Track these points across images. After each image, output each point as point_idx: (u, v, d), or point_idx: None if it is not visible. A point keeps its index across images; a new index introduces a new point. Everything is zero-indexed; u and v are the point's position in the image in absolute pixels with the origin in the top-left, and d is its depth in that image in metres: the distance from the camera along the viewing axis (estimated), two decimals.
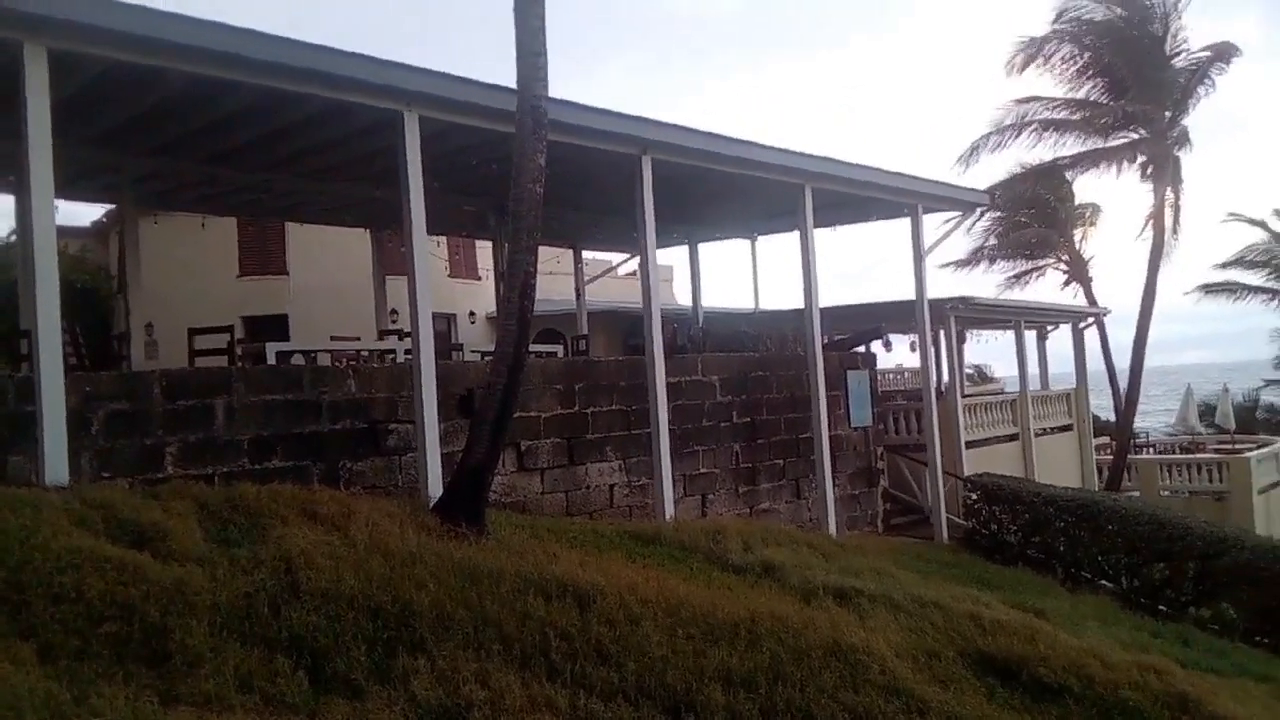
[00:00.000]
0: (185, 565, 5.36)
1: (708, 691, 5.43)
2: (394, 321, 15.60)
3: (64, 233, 12.34)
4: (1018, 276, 26.18)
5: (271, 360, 10.57)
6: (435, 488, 8.07)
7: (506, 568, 6.29)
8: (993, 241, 25.66)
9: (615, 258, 20.70)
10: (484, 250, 21.56)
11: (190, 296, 17.78)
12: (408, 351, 9.92)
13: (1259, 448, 24.04)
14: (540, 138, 7.27)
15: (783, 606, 7.10)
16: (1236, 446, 24.32)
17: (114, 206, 15.85)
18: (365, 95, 8.16)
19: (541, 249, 7.90)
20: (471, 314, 22.67)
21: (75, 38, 6.65)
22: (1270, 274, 26.74)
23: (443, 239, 20.87)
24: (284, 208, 14.85)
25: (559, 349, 14.24)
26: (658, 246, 10.98)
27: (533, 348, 13.05)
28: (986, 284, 26.89)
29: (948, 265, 26.68)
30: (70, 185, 10.99)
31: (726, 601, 6.80)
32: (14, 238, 13.26)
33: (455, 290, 22.36)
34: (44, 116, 6.56)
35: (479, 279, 22.82)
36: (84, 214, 20.96)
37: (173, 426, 7.99)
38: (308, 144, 10.37)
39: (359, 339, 13.59)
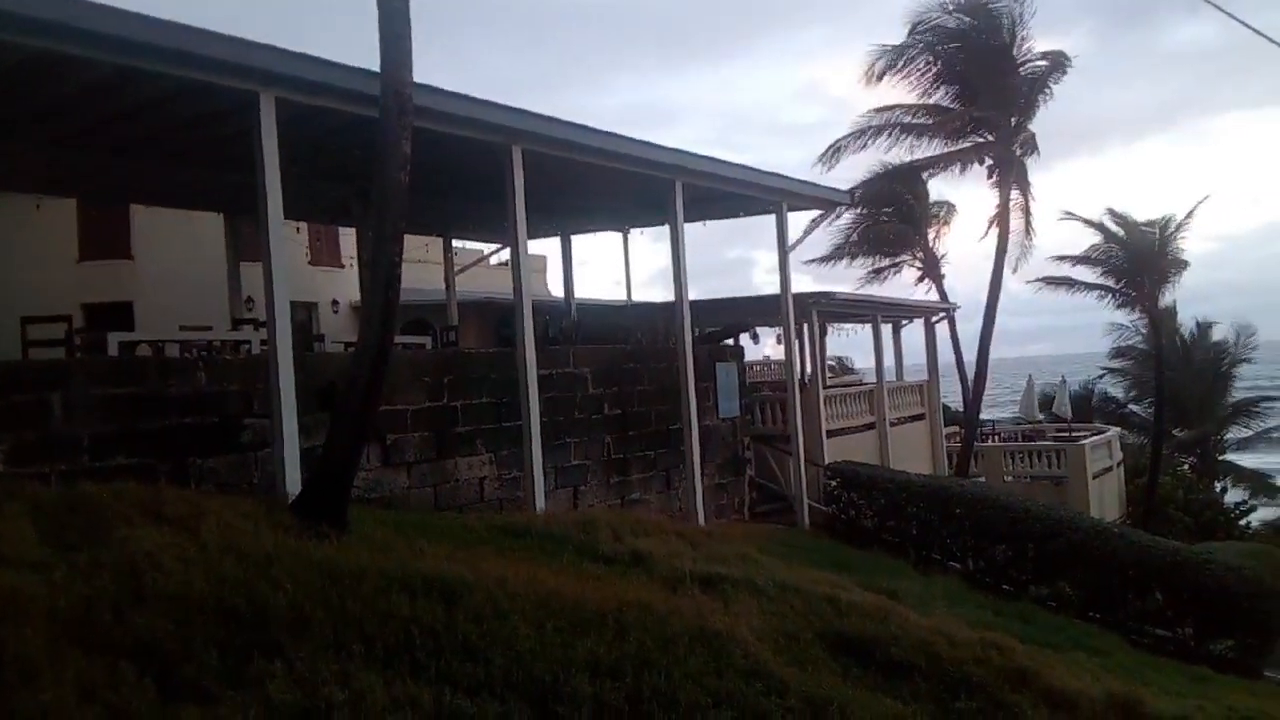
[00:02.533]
0: (18, 571, 4.99)
1: (575, 682, 5.45)
2: (249, 310, 14.93)
3: None
4: (877, 272, 27.35)
5: (114, 351, 9.95)
6: (294, 485, 7.79)
7: (369, 565, 6.14)
8: (855, 239, 26.69)
9: (486, 248, 20.46)
10: (347, 237, 20.90)
11: (24, 283, 16.50)
12: (264, 342, 9.51)
13: (1093, 435, 25.91)
14: (405, 124, 7.09)
15: (650, 595, 7.20)
16: (1073, 435, 26.13)
17: None
18: (220, 75, 7.77)
19: (410, 237, 7.72)
20: (335, 303, 21.94)
21: None
22: (1104, 272, 28.80)
23: (303, 225, 20.10)
24: (131, 190, 14.00)
25: (427, 340, 13.96)
26: (529, 237, 10.92)
27: (400, 339, 12.76)
28: (849, 279, 27.90)
29: (813, 261, 27.59)
30: None
31: (596, 592, 6.85)
32: None
33: (317, 278, 21.58)
34: None
35: (342, 267, 22.10)
36: None
37: (4, 423, 7.41)
38: (158, 125, 9.78)
39: (211, 329, 12.94)
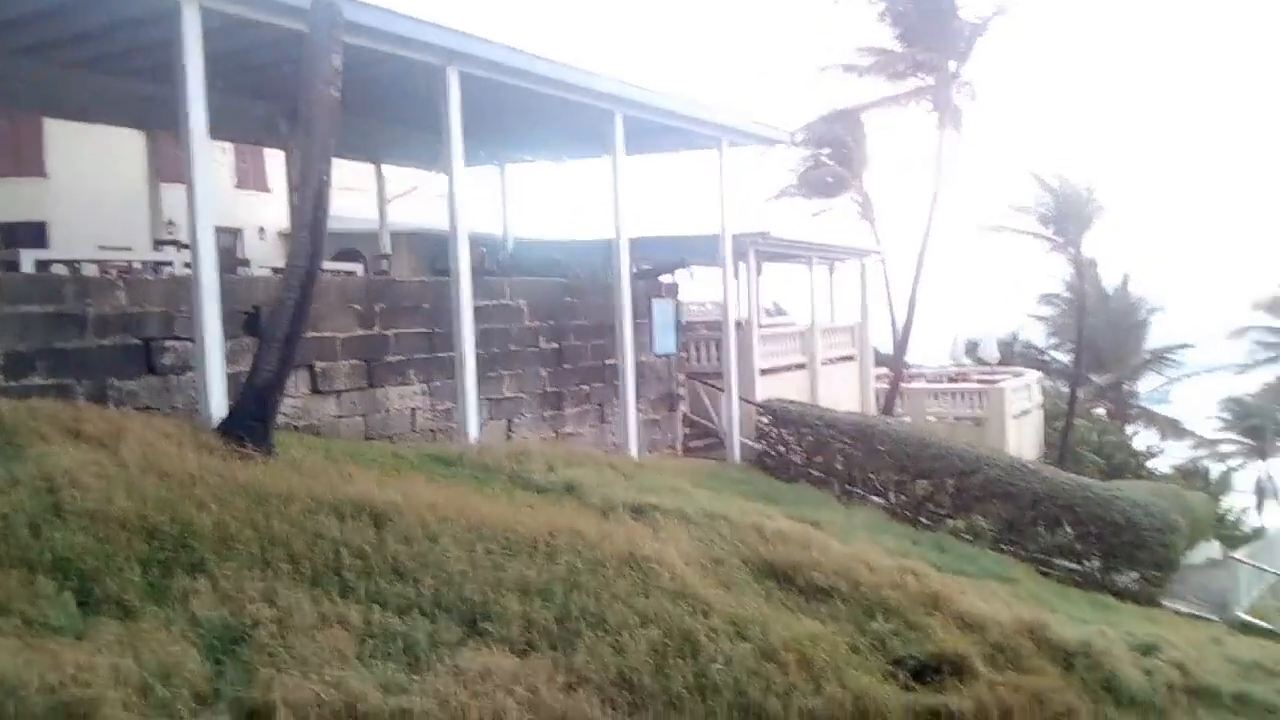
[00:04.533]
0: None
1: (505, 602, 5.54)
2: (171, 233, 14.40)
3: None
4: (816, 214, 27.54)
5: (29, 269, 9.54)
6: (219, 409, 7.65)
7: (297, 488, 6.10)
8: (796, 177, 26.76)
9: (422, 176, 19.99)
10: (276, 161, 20.20)
11: None
12: (187, 264, 9.22)
13: (1014, 379, 26.74)
14: (335, 38, 6.86)
15: (582, 522, 7.30)
16: (996, 378, 26.93)
17: None
18: None
19: (344, 165, 7.52)
20: (261, 230, 21.28)
21: None
22: (1036, 219, 29.47)
23: (229, 146, 19.36)
24: (41, 99, 13.30)
25: (359, 268, 13.67)
26: (466, 165, 10.69)
27: (331, 266, 12.49)
28: (792, 220, 28.02)
29: (756, 200, 27.61)
30: None
31: (527, 518, 6.92)
32: None
33: (243, 202, 20.86)
34: None
35: (269, 191, 21.40)
36: None
37: None
38: (72, 29, 9.27)
39: (130, 249, 12.47)
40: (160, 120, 13.65)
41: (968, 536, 13.03)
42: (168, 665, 4.12)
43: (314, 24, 6.95)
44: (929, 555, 10.05)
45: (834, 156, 26.17)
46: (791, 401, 16.83)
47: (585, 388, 13.84)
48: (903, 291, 25.01)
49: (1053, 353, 39.49)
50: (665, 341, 15.72)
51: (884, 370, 25.34)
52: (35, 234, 16.58)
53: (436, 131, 10.24)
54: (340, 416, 10.21)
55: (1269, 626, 12.92)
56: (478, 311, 10.89)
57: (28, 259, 9.68)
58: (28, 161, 18.87)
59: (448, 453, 9.45)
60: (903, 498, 14.30)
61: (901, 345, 24.27)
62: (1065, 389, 31.34)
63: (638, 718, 5.03)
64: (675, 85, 17.14)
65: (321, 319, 9.92)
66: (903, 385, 24.61)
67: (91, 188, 17.91)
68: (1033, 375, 29.12)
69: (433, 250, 20.51)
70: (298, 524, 5.58)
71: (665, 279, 16.69)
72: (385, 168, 17.76)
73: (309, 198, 6.80)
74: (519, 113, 12.88)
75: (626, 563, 6.54)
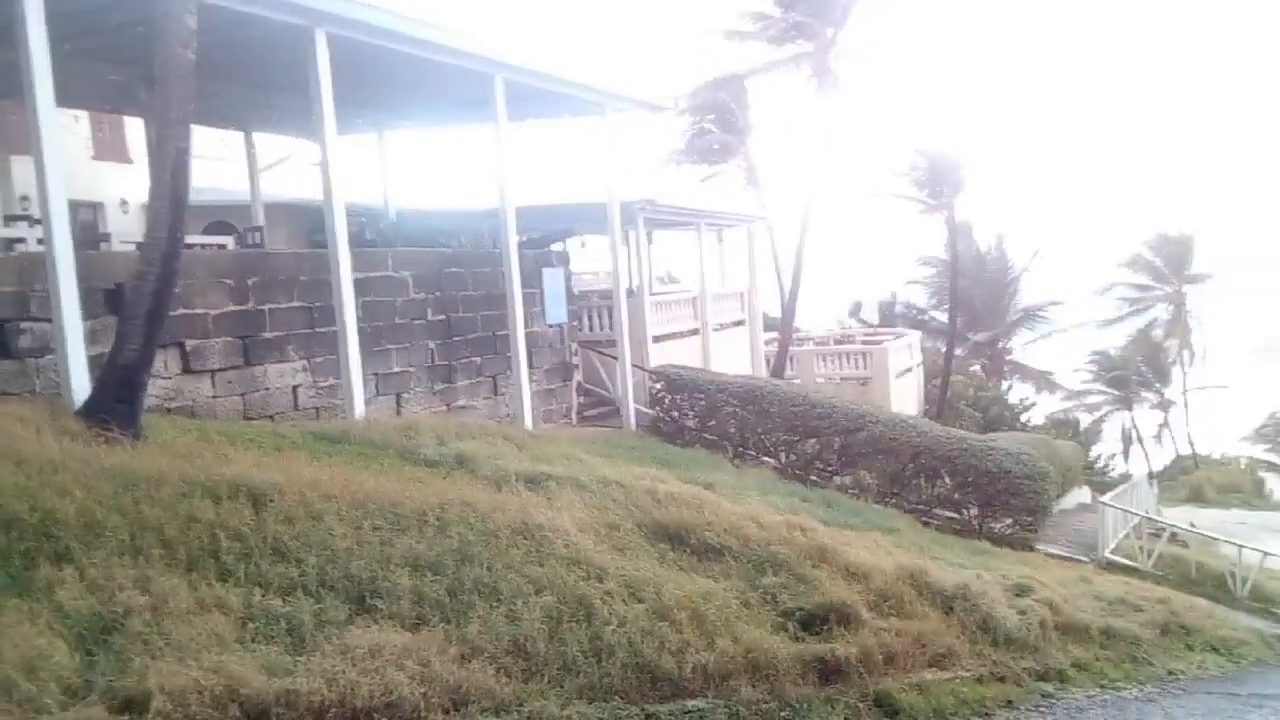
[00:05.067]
0: None
1: (394, 577, 5.45)
2: (25, 208, 13.50)
3: None
4: (704, 180, 27.76)
5: None
6: (81, 391, 7.22)
7: (168, 471, 5.84)
8: (682, 144, 26.92)
9: (296, 145, 19.23)
10: (138, 130, 19.10)
11: None
12: (41, 240, 8.65)
13: (896, 339, 27.72)
14: None
15: (474, 494, 7.23)
16: (879, 339, 27.85)
17: None
18: None
19: (213, 133, 7.14)
20: (124, 202, 20.12)
21: None
22: (911, 182, 30.47)
23: (83, 115, 18.18)
24: None
25: (230, 241, 13.09)
26: (340, 133, 10.33)
27: (200, 240, 11.93)
28: (681, 187, 28.18)
29: (645, 166, 27.64)
30: None
31: (417, 492, 6.81)
32: None
33: (102, 174, 19.66)
34: None
35: (131, 163, 20.24)
36: None
37: None
38: None
39: None
40: (4, 89, 12.71)
41: (854, 491, 13.49)
42: (32, 659, 3.91)
43: None
44: (817, 511, 10.34)
45: (719, 123, 26.41)
46: (684, 367, 17.01)
47: (476, 359, 13.66)
48: (790, 257, 25.53)
49: (932, 313, 41.10)
50: (557, 311, 15.64)
51: (773, 334, 25.89)
52: None
53: (308, 97, 9.84)
54: (216, 397, 9.79)
55: (1133, 564, 13.82)
56: (359, 284, 10.59)
57: None
58: None
59: (332, 430, 9.19)
60: (793, 457, 14.66)
61: (789, 309, 24.83)
62: (944, 348, 32.69)
63: (532, 684, 5.03)
64: (559, 49, 16.90)
65: (192, 295, 9.47)
66: (791, 348, 25.20)
67: None
68: (914, 335, 30.25)
69: (310, 222, 19.82)
70: (170, 508, 5.34)
71: (556, 248, 16.57)
72: (257, 137, 16.99)
73: (166, 167, 6.44)
74: (395, 77, 12.50)
75: (520, 532, 6.52)
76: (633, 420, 15.62)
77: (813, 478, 14.02)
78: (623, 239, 16.54)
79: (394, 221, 16.75)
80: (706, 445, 14.69)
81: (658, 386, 16.16)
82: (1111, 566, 13.57)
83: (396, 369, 12.25)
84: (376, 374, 11.74)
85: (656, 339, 18.23)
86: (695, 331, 20.57)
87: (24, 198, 13.94)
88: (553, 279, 15.60)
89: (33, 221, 11.24)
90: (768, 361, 24.45)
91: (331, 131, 9.84)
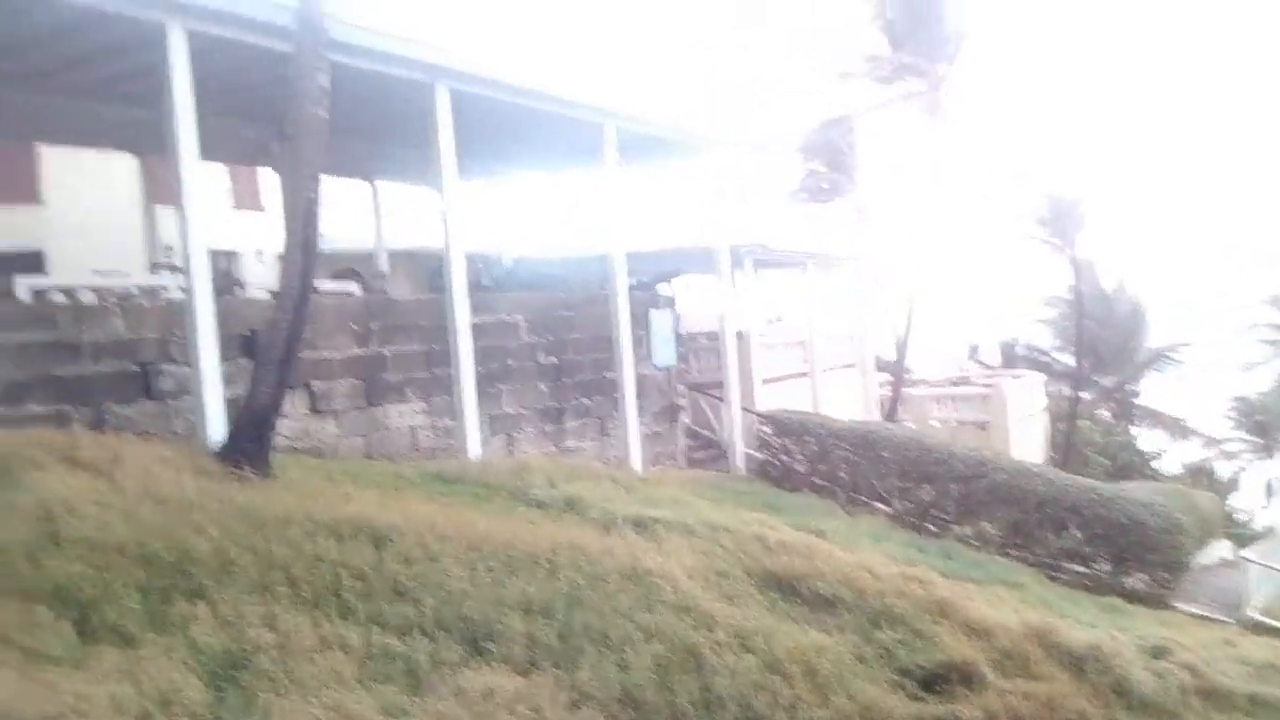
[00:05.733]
0: None
1: (507, 620, 5.50)
2: (167, 257, 14.40)
3: None
4: (814, 220, 27.52)
5: (25, 297, 9.51)
6: (217, 432, 7.61)
7: (295, 510, 6.06)
8: (792, 184, 26.82)
9: (418, 193, 20.00)
10: (271, 182, 20.22)
11: None
12: (183, 288, 9.21)
13: (1017, 381, 26.70)
14: (321, 57, 6.86)
15: (583, 537, 7.26)
16: (998, 381, 26.87)
17: None
18: (123, 3, 7.38)
19: (339, 184, 7.52)
20: (259, 251, 21.30)
21: None
22: (1034, 222, 29.49)
23: (224, 167, 19.40)
24: (32, 127, 13.32)
25: (355, 287, 13.65)
26: (459, 180, 10.68)
27: (327, 286, 12.49)
28: (789, 227, 28.07)
29: (753, 207, 27.63)
30: None
31: (528, 534, 6.88)
32: None
33: (238, 224, 20.89)
34: None
35: (264, 211, 21.44)
36: None
37: None
38: (58, 56, 9.27)
39: (128, 275, 12.47)
40: (152, 144, 13.62)
41: (974, 542, 12.96)
42: (168, 693, 4.09)
43: (300, 44, 6.95)
44: (935, 562, 9.98)
45: (829, 163, 26.22)
46: (793, 410, 16.80)
47: (585, 401, 13.80)
48: (903, 297, 24.99)
49: (1056, 355, 39.43)
50: (665, 353, 15.68)
51: (886, 376, 25.30)
52: (31, 261, 16.57)
53: (429, 148, 10.24)
54: (340, 437, 10.17)
55: None
56: (475, 328, 10.86)
57: (24, 286, 9.65)
58: (22, 188, 18.88)
59: (448, 470, 9.41)
60: (907, 505, 14.22)
61: (902, 351, 24.23)
62: (1069, 391, 31.28)
63: None
64: (667, 97, 17.16)
65: (319, 339, 9.89)
66: (905, 391, 24.56)
67: (87, 213, 17.92)
68: (1036, 378, 29.09)
69: (430, 268, 20.54)
70: (296, 547, 5.53)
71: (662, 290, 16.67)
72: (381, 185, 17.77)
73: (298, 217, 6.79)
74: (511, 127, 12.89)
75: (629, 577, 6.49)
76: (741, 464, 15.46)
77: (929, 526, 13.56)
78: (731, 280, 16.51)
79: (508, 268, 17.19)
80: (816, 490, 14.41)
81: (766, 430, 15.97)
82: (1257, 628, 12.60)
83: (509, 410, 12.48)
84: (490, 415, 11.98)
85: (765, 381, 18.06)
86: (805, 374, 20.29)
87: (168, 247, 14.87)
88: (660, 321, 15.67)
89: (175, 269, 11.99)
90: (880, 405, 23.89)
91: (452, 181, 10.20)
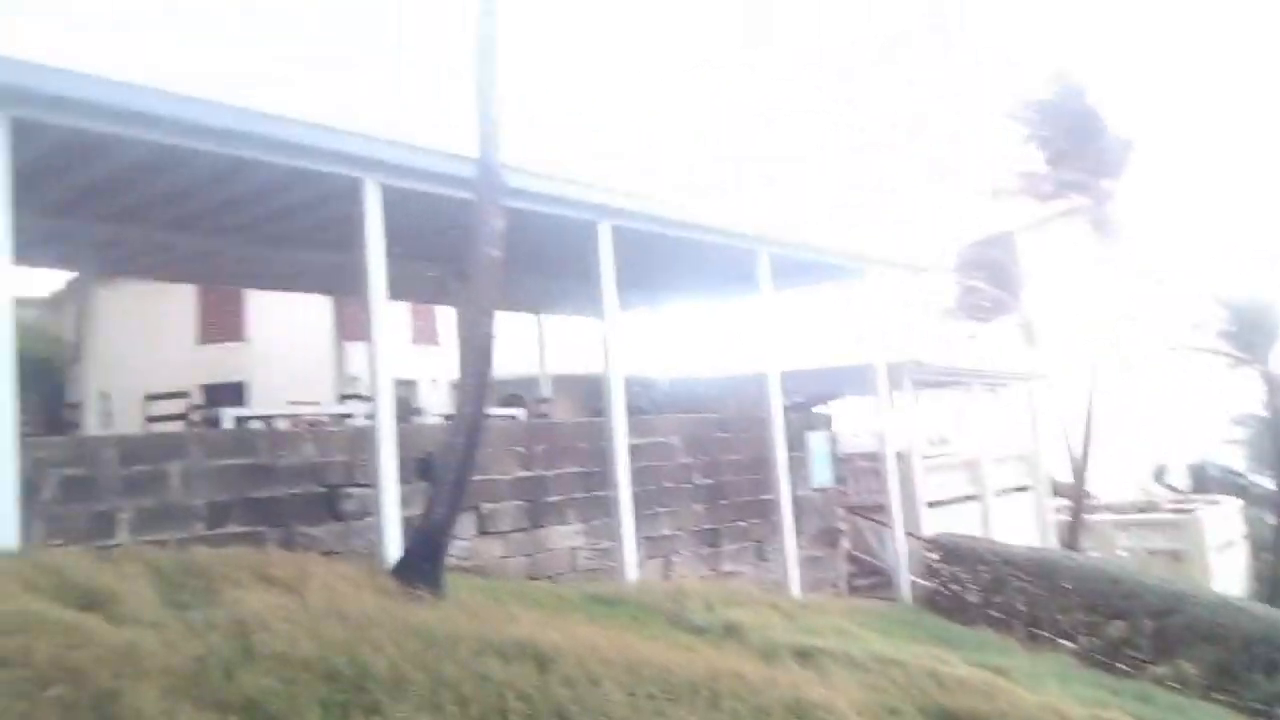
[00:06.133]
0: (137, 628, 5.27)
1: None
2: (354, 387, 15.54)
3: (21, 303, 12.30)
4: (974, 336, 26.79)
5: (229, 425, 10.48)
6: (394, 551, 8.01)
7: (464, 629, 6.24)
8: (948, 303, 26.35)
9: (578, 323, 20.86)
10: (446, 317, 21.64)
11: (148, 364, 17.62)
12: (367, 415, 9.90)
13: (1212, 507, 24.50)
14: (497, 203, 7.44)
15: (744, 665, 7.08)
16: (1191, 507, 24.75)
17: (74, 275, 15.74)
18: (325, 162, 8.31)
19: (505, 316, 8.02)
20: (433, 380, 22.63)
21: (38, 105, 6.74)
22: (1218, 336, 27.64)
23: (406, 305, 20.93)
24: (241, 274, 14.87)
25: (520, 412, 14.24)
26: (618, 310, 11.14)
27: (495, 412, 13.08)
28: (949, 345, 27.41)
29: (910, 327, 27.23)
30: (28, 252, 10.93)
31: (687, 660, 6.78)
32: None
33: (417, 357, 22.35)
34: (4, 184, 6.61)
35: (439, 345, 22.85)
36: (41, 284, 20.78)
37: (127, 492, 7.89)
38: (266, 210, 10.44)
39: (318, 404, 13.52)
40: (345, 286, 14.95)
41: (1174, 685, 11.73)
42: None
43: (479, 192, 7.58)
44: (1129, 706, 9.11)
45: (990, 279, 25.66)
46: (962, 536, 16.00)
47: (742, 523, 13.66)
48: (1077, 417, 23.70)
49: (1252, 477, 36.05)
50: (822, 474, 15.40)
51: (1063, 501, 23.79)
52: (235, 393, 18.26)
53: (590, 281, 10.77)
54: (505, 557, 10.46)
55: None
56: (633, 449, 11.07)
57: (228, 416, 10.65)
58: (230, 328, 21.03)
59: (606, 592, 9.46)
60: (1095, 641, 13.10)
61: (1080, 474, 22.81)
62: (1271, 518, 28.40)
63: None
64: (820, 221, 17.41)
65: (487, 462, 10.34)
66: (1085, 517, 22.97)
67: (285, 349, 19.69)
68: (1233, 503, 26.60)
69: (588, 392, 21.18)
70: (465, 666, 5.67)
71: (819, 410, 16.51)
72: (545, 318, 18.69)
73: (474, 350, 7.26)
74: (668, 257, 13.40)
75: (793, 710, 6.26)
76: (906, 592, 14.77)
77: (1121, 666, 12.41)
78: (890, 400, 16.19)
79: (665, 390, 17.52)
80: (991, 623, 13.52)
81: (934, 556, 15.26)
82: None
83: (665, 532, 12.50)
84: (647, 536, 12.02)
85: (930, 504, 17.35)
86: (973, 497, 19.38)
87: (354, 378, 16.07)
88: (817, 442, 15.47)
89: (361, 399, 12.92)
90: (1059, 531, 22.41)
91: (612, 311, 10.64)
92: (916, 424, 19.39)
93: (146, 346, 18.92)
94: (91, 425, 12.21)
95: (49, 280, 20.75)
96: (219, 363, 20.13)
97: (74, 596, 5.57)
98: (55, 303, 21.30)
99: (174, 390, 11.34)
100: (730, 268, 13.76)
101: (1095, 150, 22.26)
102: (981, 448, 20.20)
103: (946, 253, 24.75)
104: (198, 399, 13.98)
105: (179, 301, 20.24)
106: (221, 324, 21.04)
